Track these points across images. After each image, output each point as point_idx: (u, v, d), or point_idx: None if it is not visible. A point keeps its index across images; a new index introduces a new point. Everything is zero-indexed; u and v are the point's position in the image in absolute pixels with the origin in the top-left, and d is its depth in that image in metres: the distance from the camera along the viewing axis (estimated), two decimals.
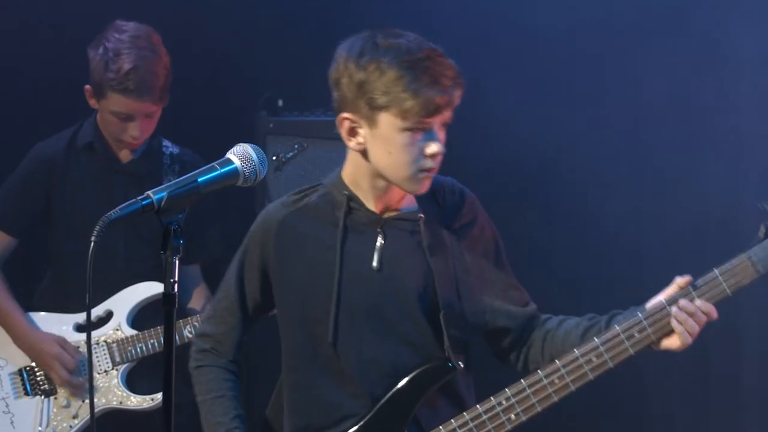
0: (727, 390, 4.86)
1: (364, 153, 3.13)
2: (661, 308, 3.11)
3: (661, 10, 4.86)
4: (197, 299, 4.49)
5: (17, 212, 4.48)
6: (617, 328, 3.11)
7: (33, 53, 5.10)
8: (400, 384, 3.14)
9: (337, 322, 3.15)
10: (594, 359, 3.10)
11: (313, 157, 4.82)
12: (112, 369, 4.35)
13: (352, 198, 3.19)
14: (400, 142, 3.05)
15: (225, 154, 2.69)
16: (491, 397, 3.14)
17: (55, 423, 4.36)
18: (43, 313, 4.44)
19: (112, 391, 4.35)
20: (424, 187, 3.12)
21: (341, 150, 4.76)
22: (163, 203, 2.54)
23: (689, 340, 3.10)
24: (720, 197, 4.82)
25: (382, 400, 3.14)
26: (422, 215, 3.18)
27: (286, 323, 3.27)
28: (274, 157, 4.81)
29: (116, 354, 4.34)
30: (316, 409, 3.21)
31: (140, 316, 4.40)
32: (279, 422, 3.30)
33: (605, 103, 4.90)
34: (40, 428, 4.36)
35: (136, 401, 4.33)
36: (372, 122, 3.07)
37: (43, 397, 4.39)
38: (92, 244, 2.48)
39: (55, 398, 4.38)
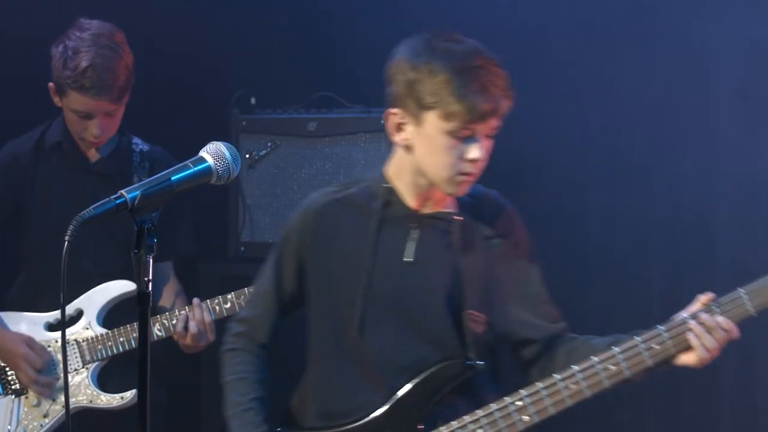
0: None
1: (408, 149, 3.20)
2: (682, 322, 3.11)
3: (637, 10, 4.87)
4: (167, 296, 4.48)
5: None
6: (637, 338, 3.12)
7: (1, 51, 5.08)
8: (419, 378, 3.18)
9: (364, 312, 3.22)
10: (611, 367, 3.11)
11: (286, 154, 4.82)
12: (83, 368, 4.34)
13: (391, 191, 3.25)
14: (442, 143, 3.12)
15: (198, 152, 2.68)
16: (505, 397, 3.16)
17: (25, 422, 4.35)
18: (13, 313, 4.42)
19: (82, 390, 4.33)
20: (462, 190, 3.19)
21: (314, 147, 4.83)
22: (136, 202, 2.53)
23: (706, 355, 3.09)
24: (693, 196, 4.84)
25: (400, 393, 3.19)
26: (459, 218, 3.24)
27: (316, 310, 3.33)
28: (247, 155, 4.81)
29: (86, 353, 4.33)
30: (337, 397, 3.27)
31: (111, 315, 4.39)
32: (302, 411, 3.35)
33: (581, 104, 4.91)
34: (9, 427, 4.34)
35: (106, 400, 4.31)
36: (418, 121, 3.14)
37: (13, 396, 4.37)
38: (66, 243, 2.47)
39: (26, 397, 4.36)
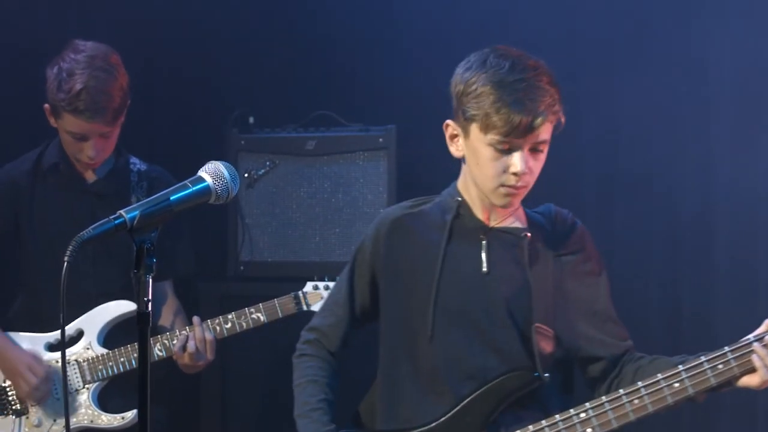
0: None
1: (464, 160, 3.32)
2: (747, 344, 3.13)
3: (636, 16, 4.88)
4: (167, 316, 4.48)
5: None
6: (702, 358, 3.15)
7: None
8: (485, 387, 3.25)
9: (434, 321, 3.29)
10: (676, 385, 3.15)
11: (285, 173, 4.82)
12: (83, 388, 4.34)
13: (461, 204, 3.34)
14: (485, 155, 3.21)
15: (197, 171, 2.68)
16: (571, 409, 3.21)
17: None
18: (13, 333, 4.42)
19: (83, 410, 4.34)
20: (510, 203, 3.28)
21: (313, 166, 4.83)
22: (135, 222, 2.52)
23: None
24: (692, 203, 4.84)
25: (466, 400, 3.25)
26: (528, 234, 3.31)
27: (387, 320, 3.41)
28: (246, 174, 4.81)
29: (87, 373, 4.33)
30: (404, 403, 3.34)
31: (112, 335, 4.39)
32: (371, 416, 3.43)
33: (579, 111, 4.90)
34: None
35: (106, 420, 4.31)
36: (466, 132, 3.25)
37: (14, 416, 4.38)
38: (65, 264, 2.46)
39: (27, 417, 4.37)
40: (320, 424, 3.36)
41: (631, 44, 4.89)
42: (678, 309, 4.86)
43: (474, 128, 3.20)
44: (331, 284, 4.18)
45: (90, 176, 4.42)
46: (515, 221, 3.35)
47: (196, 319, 4.26)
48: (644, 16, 4.88)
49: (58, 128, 4.32)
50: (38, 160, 4.45)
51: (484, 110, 3.16)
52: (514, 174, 3.19)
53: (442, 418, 3.27)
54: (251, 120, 4.93)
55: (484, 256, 3.30)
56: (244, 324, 4.25)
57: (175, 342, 4.24)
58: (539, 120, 3.15)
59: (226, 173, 2.67)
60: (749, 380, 3.14)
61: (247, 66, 5.20)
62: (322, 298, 4.20)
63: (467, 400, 3.25)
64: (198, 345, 4.20)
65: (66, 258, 2.47)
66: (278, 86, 5.18)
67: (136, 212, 2.53)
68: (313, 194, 4.79)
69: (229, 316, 4.25)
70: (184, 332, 4.23)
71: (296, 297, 4.26)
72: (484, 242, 3.30)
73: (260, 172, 4.83)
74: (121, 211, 2.52)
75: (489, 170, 3.21)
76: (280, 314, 4.26)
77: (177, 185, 2.64)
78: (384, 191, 4.69)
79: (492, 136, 3.17)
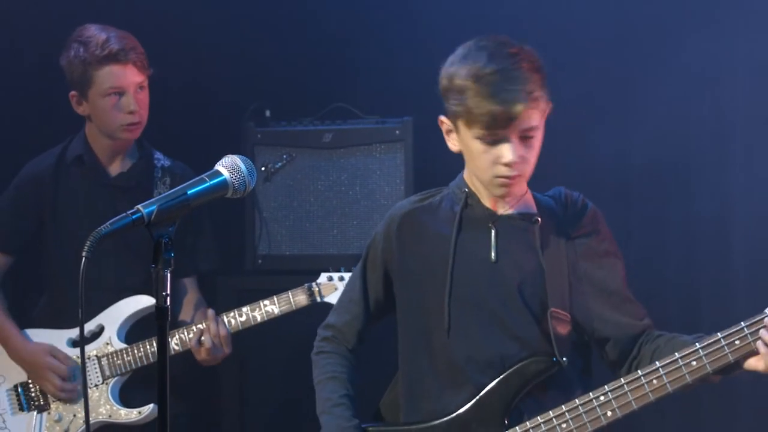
0: None
1: (461, 153, 3.31)
2: (763, 317, 3.10)
3: (651, 24, 4.85)
4: (187, 310, 4.49)
5: (10, 231, 4.50)
6: (719, 334, 3.12)
7: (23, 70, 5.10)
8: (504, 375, 3.25)
9: (450, 312, 3.29)
10: (693, 363, 3.13)
11: (302, 166, 4.82)
12: (102, 383, 4.36)
13: (470, 195, 3.34)
14: (475, 148, 3.21)
15: (214, 166, 2.68)
16: (590, 393, 3.20)
17: None
18: (36, 330, 4.45)
19: (102, 405, 4.35)
20: (508, 192, 3.27)
21: (330, 159, 4.82)
22: (153, 217, 2.52)
23: None
24: (708, 210, 4.81)
25: (485, 390, 3.26)
26: (539, 218, 3.31)
27: (403, 314, 3.41)
28: (263, 168, 4.81)
29: (106, 368, 4.35)
30: (426, 396, 3.34)
31: (133, 330, 4.41)
32: (394, 410, 3.44)
33: (594, 118, 4.89)
34: None
35: (124, 414, 4.33)
36: (456, 128, 3.26)
37: (36, 412, 4.41)
38: (84, 259, 2.46)
39: (48, 413, 4.40)
40: (343, 419, 3.35)
41: (646, 53, 4.86)
42: (697, 320, 4.83)
43: (460, 124, 3.21)
44: (346, 275, 4.18)
45: (114, 169, 4.44)
46: (525, 207, 3.34)
47: (210, 312, 4.26)
48: (660, 24, 4.84)
49: (90, 108, 4.34)
50: (62, 154, 4.48)
51: (465, 106, 3.15)
52: (506, 165, 3.18)
53: (463, 409, 3.28)
54: (268, 113, 4.92)
55: (493, 244, 3.29)
56: (258, 317, 4.26)
57: (191, 336, 4.24)
58: (518, 108, 3.12)
59: (243, 167, 2.67)
60: (756, 363, 3.11)
61: (263, 59, 5.19)
62: (336, 289, 4.21)
63: (487, 389, 3.25)
64: (213, 339, 4.21)
65: (84, 253, 2.47)
66: (294, 79, 5.17)
67: (154, 207, 2.53)
68: (330, 187, 4.78)
69: (244, 309, 4.25)
70: (199, 326, 4.24)
71: (309, 288, 4.25)
72: (493, 231, 3.30)
73: (277, 166, 4.83)
74: (139, 206, 2.53)
75: (481, 163, 3.21)
76: (293, 306, 4.26)
77: (194, 179, 2.64)
78: (401, 183, 4.68)
79: (477, 130, 3.16)
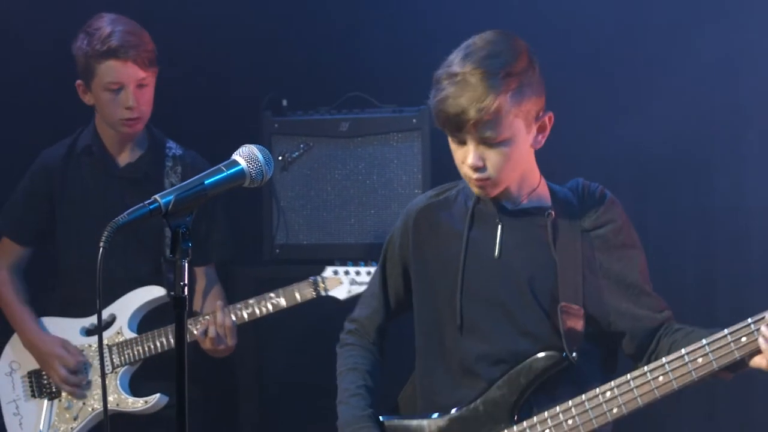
0: None
1: None
2: None
3: (670, 16, 4.83)
4: (197, 300, 4.52)
5: (24, 222, 4.55)
6: (725, 331, 3.06)
7: (35, 64, 5.10)
8: (514, 369, 3.24)
9: (462, 308, 3.29)
10: (699, 360, 3.06)
11: (319, 155, 4.82)
12: (111, 372, 4.40)
13: None
14: (451, 146, 3.24)
15: (230, 155, 2.68)
16: (596, 389, 3.16)
17: (57, 424, 4.42)
18: (51, 318, 4.49)
19: (110, 394, 4.40)
20: (484, 193, 3.25)
21: (347, 148, 4.82)
22: (170, 207, 2.52)
23: None
24: (724, 202, 4.79)
25: (495, 385, 3.25)
26: (552, 211, 3.28)
27: (418, 309, 3.42)
28: (280, 157, 4.81)
29: (116, 357, 4.39)
30: (440, 391, 3.35)
31: (145, 320, 4.43)
32: (411, 405, 3.45)
33: (612, 110, 4.88)
34: (41, 430, 4.42)
35: (130, 403, 4.36)
36: None
37: (47, 399, 4.47)
38: (101, 249, 2.46)
39: (59, 400, 4.46)
40: (358, 409, 3.37)
41: (665, 38, 4.84)
42: (715, 319, 4.82)
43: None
44: (352, 269, 4.21)
45: (123, 159, 4.45)
46: (538, 200, 3.31)
47: (219, 304, 4.28)
48: (679, 8, 4.81)
49: (94, 99, 4.36)
50: (72, 145, 4.49)
51: (431, 103, 3.18)
52: (470, 167, 3.17)
53: (472, 403, 3.28)
54: (285, 103, 4.92)
55: (497, 240, 3.28)
56: (264, 309, 4.27)
57: (198, 327, 4.27)
58: (466, 117, 3.10)
59: (260, 156, 2.67)
60: (759, 361, 3.04)
61: (279, 49, 5.19)
62: (341, 283, 4.24)
63: (496, 384, 3.25)
64: (218, 330, 4.23)
65: (102, 243, 2.47)
66: (311, 68, 5.16)
67: (171, 197, 2.52)
68: (347, 176, 4.78)
69: (250, 301, 4.27)
70: (207, 317, 4.26)
71: (315, 282, 4.27)
72: (499, 226, 3.29)
73: (294, 155, 4.83)
74: (156, 196, 2.52)
75: (456, 160, 3.23)
76: (299, 299, 4.28)
77: (211, 169, 2.63)
78: (418, 172, 4.67)
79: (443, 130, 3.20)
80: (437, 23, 4.92)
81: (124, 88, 4.29)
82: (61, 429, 4.42)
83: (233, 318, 4.27)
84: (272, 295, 4.27)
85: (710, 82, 4.78)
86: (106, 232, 2.47)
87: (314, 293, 4.27)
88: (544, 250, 3.26)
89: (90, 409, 4.39)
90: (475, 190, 3.25)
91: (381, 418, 3.39)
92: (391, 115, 4.79)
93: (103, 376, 2.85)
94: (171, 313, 4.24)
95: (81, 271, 4.37)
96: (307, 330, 4.72)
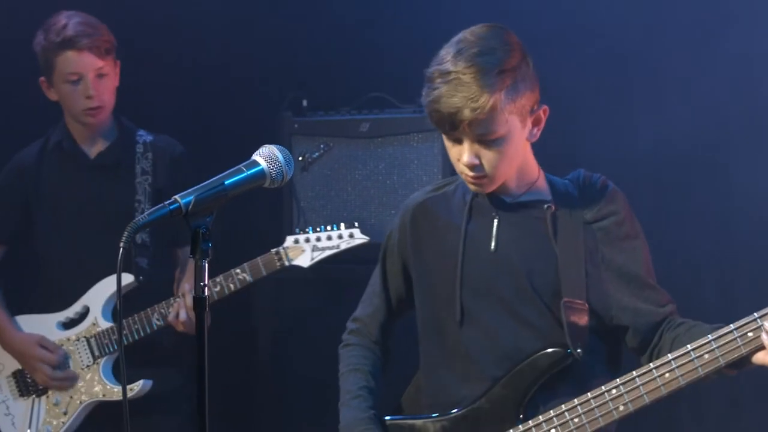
0: None
1: None
2: None
3: (689, 15, 4.83)
4: (184, 282, 4.53)
5: (0, 220, 4.58)
6: (732, 326, 3.00)
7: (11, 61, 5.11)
8: (518, 367, 3.19)
9: (462, 303, 3.25)
10: (706, 356, 3.01)
11: (339, 156, 4.82)
12: (94, 363, 4.43)
13: None
14: (446, 144, 3.21)
15: (251, 156, 2.68)
16: (602, 386, 3.12)
17: (48, 420, 4.46)
18: (27, 316, 4.55)
19: (96, 385, 4.43)
20: (480, 190, 3.22)
21: (367, 148, 4.82)
22: (190, 207, 2.52)
23: None
24: (743, 202, 4.78)
25: (499, 383, 3.21)
26: (552, 204, 3.23)
27: (420, 306, 3.39)
28: (300, 158, 4.81)
29: (95, 348, 4.43)
30: (444, 389, 3.30)
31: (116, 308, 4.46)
32: (415, 404, 3.41)
33: (631, 108, 4.87)
34: (31, 428, 4.46)
35: (117, 392, 4.38)
36: None
37: (35, 396, 4.51)
38: (120, 249, 2.47)
39: (47, 397, 4.50)
40: (359, 410, 3.35)
41: (684, 38, 4.82)
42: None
43: None
44: (312, 236, 4.20)
45: (94, 151, 4.51)
46: (537, 193, 3.26)
47: (186, 287, 4.30)
48: (698, 8, 4.80)
49: (56, 93, 4.43)
50: (45, 142, 4.58)
51: (424, 101, 3.15)
52: (465, 164, 3.14)
53: (477, 402, 3.24)
54: (305, 103, 4.93)
55: (493, 233, 3.24)
56: (232, 285, 4.27)
57: (170, 311, 4.29)
58: (461, 116, 3.06)
59: (280, 157, 2.67)
60: (764, 358, 2.98)
61: (299, 49, 5.20)
62: (303, 251, 4.23)
63: (500, 382, 3.21)
64: (189, 313, 4.25)
65: (121, 244, 2.47)
66: (331, 69, 5.17)
67: (191, 197, 2.52)
68: (367, 176, 4.78)
69: (217, 279, 4.27)
70: (178, 300, 4.28)
71: (278, 253, 4.26)
72: (495, 220, 3.24)
73: (314, 155, 4.83)
74: (176, 196, 2.52)
75: (451, 157, 3.20)
76: (264, 272, 4.27)
77: (232, 169, 2.63)
78: (438, 172, 4.67)
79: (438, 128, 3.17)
80: (458, 24, 4.89)
81: (83, 78, 4.36)
82: (54, 424, 4.45)
83: None
84: (238, 270, 4.26)
85: (730, 81, 4.76)
86: (126, 232, 2.47)
87: (278, 264, 4.25)
88: (544, 244, 3.21)
89: (78, 402, 4.44)
90: (472, 187, 3.22)
91: (385, 418, 3.36)
92: (411, 115, 4.79)
93: (123, 366, 2.85)
94: (139, 298, 4.32)
95: (62, 264, 4.45)
96: (327, 318, 4.72)
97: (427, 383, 3.38)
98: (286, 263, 4.25)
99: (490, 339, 3.23)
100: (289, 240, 4.26)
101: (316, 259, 4.23)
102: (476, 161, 3.13)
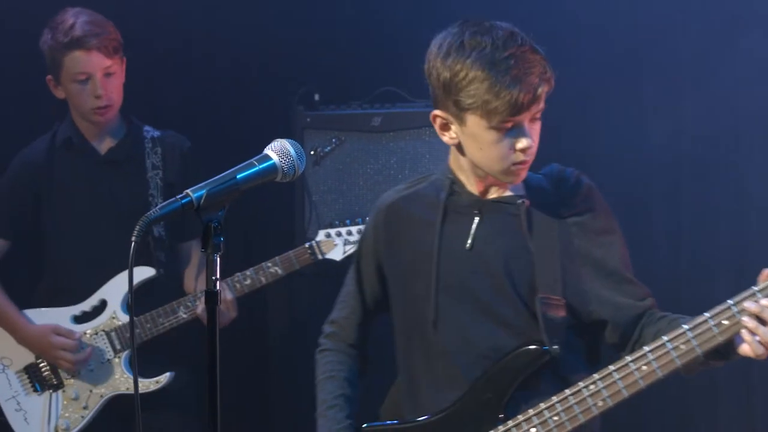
0: None
1: (459, 147, 3.17)
2: (751, 294, 2.93)
3: (702, 17, 4.81)
4: (191, 275, 4.54)
5: (6, 216, 4.57)
6: (706, 314, 2.94)
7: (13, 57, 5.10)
8: (493, 368, 3.13)
9: (437, 303, 3.20)
10: (682, 346, 2.96)
11: (351, 150, 4.82)
12: (115, 357, 4.43)
13: (454, 181, 3.23)
14: (489, 139, 3.07)
15: (262, 150, 2.68)
16: (580, 383, 3.06)
17: (66, 415, 4.45)
18: (38, 309, 4.52)
19: (119, 378, 4.44)
20: (519, 177, 3.15)
21: (379, 142, 4.82)
22: (202, 201, 2.52)
23: (761, 350, 2.91)
24: (759, 198, 4.77)
25: (476, 384, 3.14)
26: (526, 200, 3.17)
27: (395, 307, 3.33)
28: (312, 152, 4.81)
29: (116, 341, 4.43)
30: (423, 391, 3.24)
31: (135, 301, 4.44)
32: (397, 408, 3.33)
33: (645, 105, 4.86)
34: (50, 423, 4.45)
35: (142, 385, 4.38)
36: (461, 121, 3.10)
37: (51, 391, 4.49)
38: (132, 244, 2.46)
39: (64, 391, 4.48)
40: (334, 422, 3.30)
41: (700, 41, 4.82)
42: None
43: (471, 117, 3.05)
44: (343, 230, 4.22)
45: (103, 147, 4.51)
46: (514, 189, 3.19)
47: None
48: (715, 12, 4.79)
49: (64, 92, 4.43)
50: (53, 139, 4.57)
51: (481, 98, 3.00)
52: (522, 150, 3.06)
53: (456, 404, 3.17)
54: (317, 97, 4.92)
55: (471, 231, 3.18)
56: (263, 279, 4.32)
57: (198, 304, 4.30)
58: (539, 91, 3.02)
59: (292, 151, 2.66)
60: (746, 349, 2.92)
61: (311, 43, 5.19)
62: (335, 245, 4.32)
63: (477, 383, 3.15)
64: (221, 306, 4.24)
65: (133, 238, 2.46)
66: (343, 63, 5.16)
67: (203, 191, 2.52)
68: (379, 170, 4.78)
69: (248, 272, 4.32)
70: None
71: (310, 247, 4.33)
72: (476, 218, 3.19)
73: (326, 149, 4.83)
74: (188, 191, 2.52)
75: (495, 153, 3.07)
76: (297, 266, 4.34)
77: (243, 164, 2.63)
78: None
79: (496, 120, 3.02)
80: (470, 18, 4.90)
81: (92, 78, 4.36)
82: (73, 419, 4.44)
83: (234, 291, 4.30)
84: (269, 264, 4.31)
85: (743, 83, 4.76)
86: (138, 227, 2.47)
87: (311, 258, 4.32)
88: (519, 240, 3.14)
89: (99, 396, 4.43)
90: (511, 177, 3.13)
91: (363, 426, 3.30)
92: (423, 109, 4.76)
93: (135, 362, 2.84)
94: (159, 291, 4.32)
95: (72, 260, 4.44)
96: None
97: (408, 388, 3.30)
98: (319, 257, 4.33)
99: (466, 339, 3.16)
100: (321, 234, 4.32)
101: (347, 253, 4.30)
102: (533, 143, 3.08)
